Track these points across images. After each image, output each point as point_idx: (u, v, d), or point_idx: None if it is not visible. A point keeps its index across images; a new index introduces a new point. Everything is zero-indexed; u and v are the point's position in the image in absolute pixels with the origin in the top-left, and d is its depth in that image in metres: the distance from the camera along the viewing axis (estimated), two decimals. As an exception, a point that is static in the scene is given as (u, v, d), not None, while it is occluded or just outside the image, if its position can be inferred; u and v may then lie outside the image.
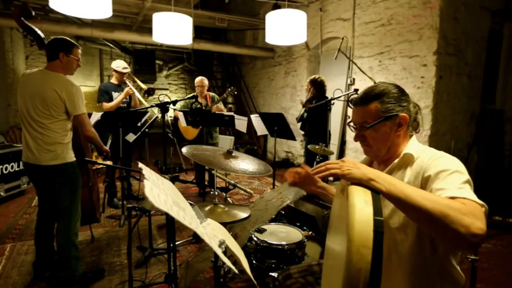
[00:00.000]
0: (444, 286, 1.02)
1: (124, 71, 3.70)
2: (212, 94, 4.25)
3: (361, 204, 0.74)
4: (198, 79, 4.10)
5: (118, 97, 3.64)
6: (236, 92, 4.10)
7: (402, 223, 1.02)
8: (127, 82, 3.74)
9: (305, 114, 3.96)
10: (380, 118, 1.07)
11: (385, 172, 1.07)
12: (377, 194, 0.80)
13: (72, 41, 2.15)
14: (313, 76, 3.92)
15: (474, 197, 0.84)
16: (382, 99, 1.08)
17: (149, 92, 4.08)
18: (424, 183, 0.97)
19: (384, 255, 1.03)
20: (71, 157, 2.15)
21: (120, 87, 3.74)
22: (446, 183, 0.90)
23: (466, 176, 0.91)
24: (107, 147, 2.44)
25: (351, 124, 1.16)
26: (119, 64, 3.72)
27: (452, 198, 0.83)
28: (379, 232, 0.70)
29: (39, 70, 2.08)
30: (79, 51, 2.17)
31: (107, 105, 3.60)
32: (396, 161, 1.08)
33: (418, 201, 0.79)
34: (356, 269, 0.68)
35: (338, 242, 0.89)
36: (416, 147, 1.10)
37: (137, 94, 3.84)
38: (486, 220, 0.78)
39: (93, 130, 2.21)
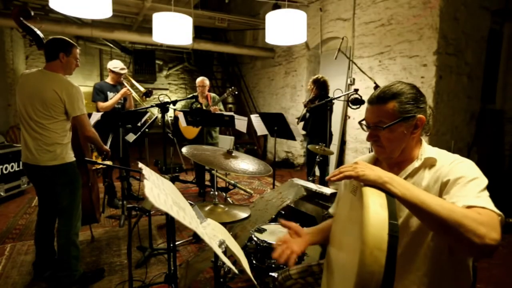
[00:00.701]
0: (456, 287, 1.02)
1: (122, 72, 3.65)
2: (213, 94, 4.24)
3: (376, 207, 0.73)
4: (199, 79, 4.09)
5: (114, 97, 3.58)
6: (236, 92, 4.10)
7: (422, 225, 1.00)
8: (124, 82, 3.71)
9: (307, 114, 3.95)
10: (398, 118, 1.03)
11: (406, 174, 1.06)
12: (392, 197, 0.79)
13: (71, 41, 2.14)
14: (316, 76, 3.90)
15: (491, 206, 0.83)
16: (400, 99, 1.04)
17: (147, 94, 4.10)
18: (443, 187, 0.96)
19: (402, 256, 1.03)
20: (70, 157, 2.14)
21: (115, 87, 3.69)
22: (465, 191, 0.89)
23: (484, 183, 0.91)
24: (107, 147, 2.44)
25: (363, 123, 1.12)
26: (117, 65, 3.65)
27: (470, 206, 0.83)
28: (394, 236, 0.69)
29: (38, 70, 2.06)
30: (78, 50, 2.17)
31: (102, 105, 3.54)
32: (417, 164, 1.05)
33: (434, 208, 0.78)
34: (369, 272, 0.67)
35: (346, 244, 0.87)
36: (433, 150, 1.08)
37: (135, 95, 3.82)
38: (500, 230, 0.78)
39: (93, 130, 2.21)
